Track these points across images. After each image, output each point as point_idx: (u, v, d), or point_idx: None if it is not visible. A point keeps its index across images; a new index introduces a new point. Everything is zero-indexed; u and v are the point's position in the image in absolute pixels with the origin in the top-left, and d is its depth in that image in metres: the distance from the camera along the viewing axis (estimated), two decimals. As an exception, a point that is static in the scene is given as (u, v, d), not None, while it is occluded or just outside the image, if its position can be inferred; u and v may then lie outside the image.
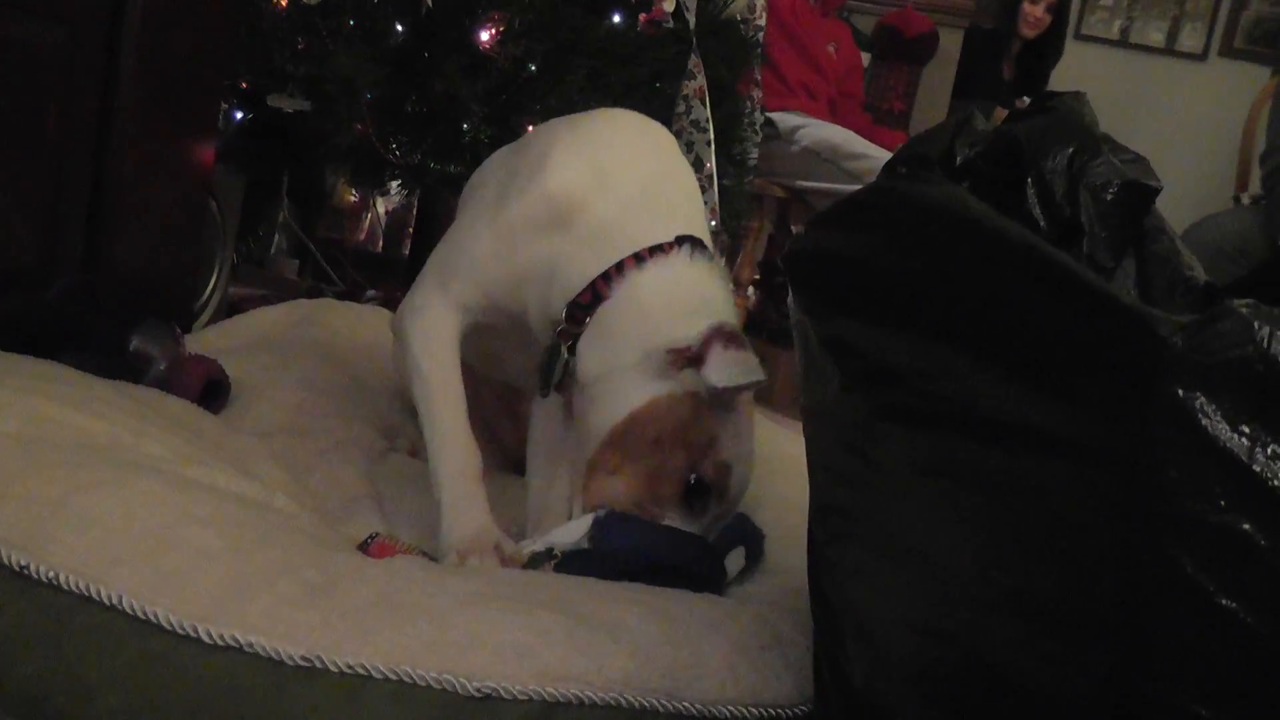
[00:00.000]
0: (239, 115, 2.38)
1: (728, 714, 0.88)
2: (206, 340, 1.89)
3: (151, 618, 0.83)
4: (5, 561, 0.86)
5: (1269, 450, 0.53)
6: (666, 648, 0.89)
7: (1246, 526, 0.54)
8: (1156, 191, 0.87)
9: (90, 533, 0.89)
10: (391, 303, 3.31)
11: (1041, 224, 0.88)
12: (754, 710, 0.90)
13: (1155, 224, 0.95)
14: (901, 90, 5.19)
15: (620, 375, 1.18)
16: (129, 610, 0.83)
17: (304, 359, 1.72)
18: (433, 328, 1.27)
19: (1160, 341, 0.58)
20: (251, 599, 0.85)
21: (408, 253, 3.73)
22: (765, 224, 3.70)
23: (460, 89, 2.22)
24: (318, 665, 0.80)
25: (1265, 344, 0.55)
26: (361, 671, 0.80)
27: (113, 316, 1.69)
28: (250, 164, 2.51)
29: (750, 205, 3.27)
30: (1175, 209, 1.25)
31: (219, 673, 0.80)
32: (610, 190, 1.23)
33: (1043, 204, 0.88)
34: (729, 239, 2.85)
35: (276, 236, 3.50)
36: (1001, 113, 4.36)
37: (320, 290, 3.49)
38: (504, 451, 1.57)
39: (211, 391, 1.63)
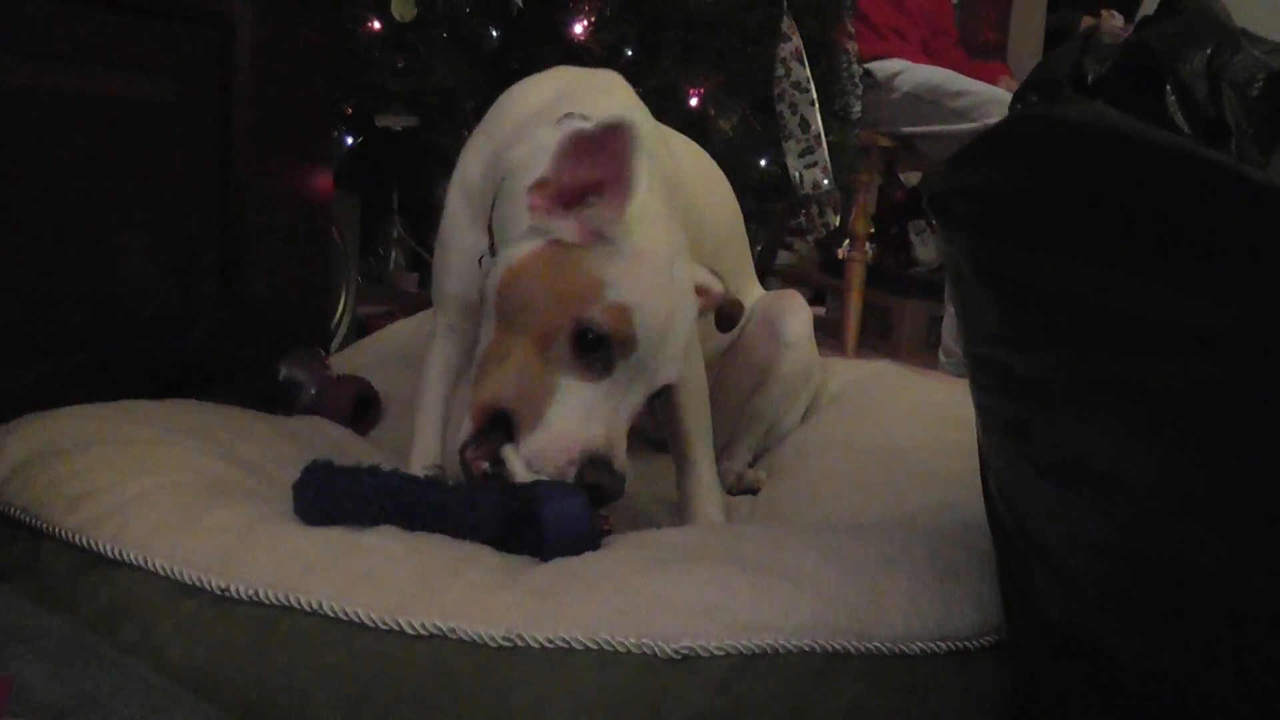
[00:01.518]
0: (349, 139, 2.44)
1: (917, 650, 0.89)
2: (345, 361, 1.95)
3: (354, 617, 0.87)
4: (206, 587, 0.91)
5: None
6: (848, 588, 0.91)
7: None
8: None
9: (279, 551, 0.94)
10: None
11: (1186, 129, 0.86)
12: (942, 644, 0.90)
13: None
14: (995, 19, 5.08)
15: (501, 257, 1.12)
16: (330, 613, 0.87)
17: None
18: (431, 356, 1.39)
19: None
20: (444, 589, 0.89)
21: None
22: (874, 175, 3.66)
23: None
24: (519, 643, 0.83)
25: None
26: (562, 644, 0.83)
27: (259, 348, 1.76)
28: (364, 185, 2.58)
29: (858, 158, 3.24)
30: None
31: (425, 660, 0.84)
32: None
33: (1185, 109, 0.85)
34: (841, 194, 2.82)
35: (393, 252, 3.58)
36: (1089, 20, 4.23)
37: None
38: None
39: (362, 409, 1.69)
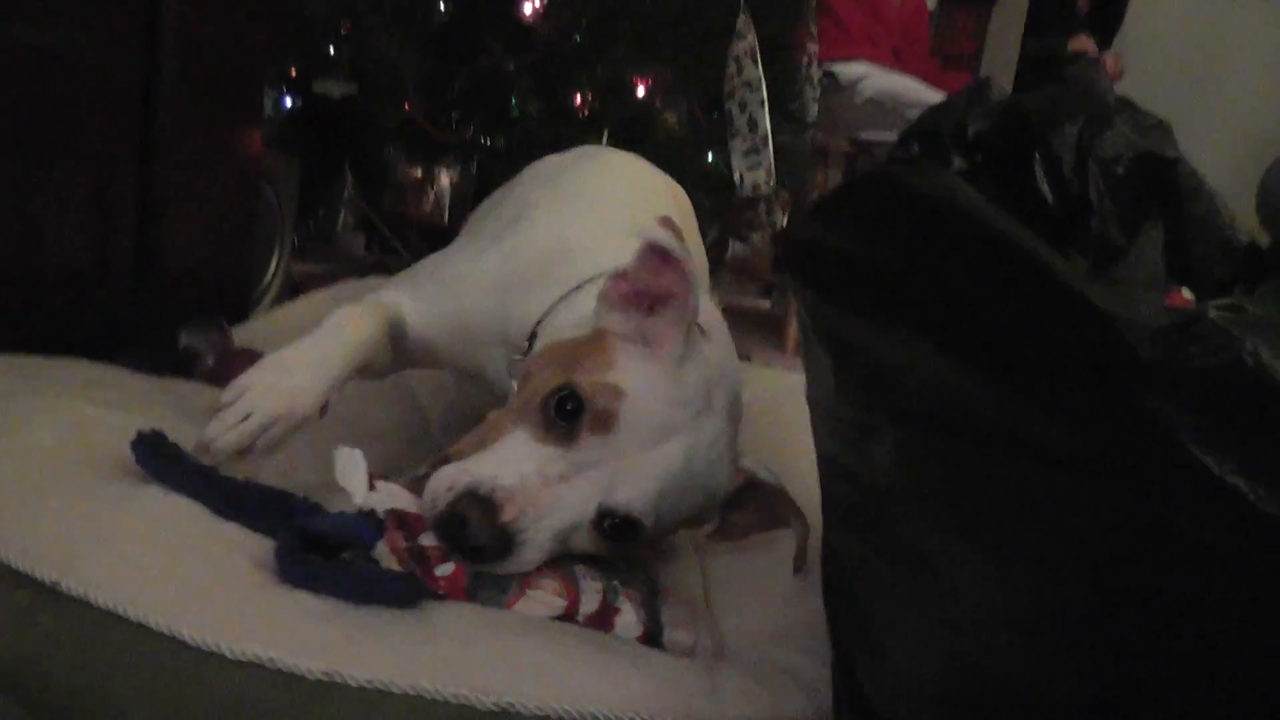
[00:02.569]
0: (288, 102, 2.39)
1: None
2: (260, 326, 1.92)
3: (177, 635, 0.84)
4: (36, 577, 0.88)
5: (1244, 465, 0.50)
6: (687, 677, 0.90)
7: (1219, 541, 0.52)
8: (1173, 161, 0.83)
9: (119, 547, 0.91)
10: None
11: (1050, 199, 0.85)
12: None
13: (1193, 184, 0.91)
14: (972, 28, 5.06)
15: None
16: (155, 628, 0.85)
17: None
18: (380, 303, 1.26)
19: (1130, 349, 0.55)
20: (274, 612, 0.86)
21: (471, 224, 3.82)
22: (828, 179, 3.64)
23: (506, 64, 2.22)
24: (337, 680, 0.81)
25: (1240, 353, 0.51)
26: (380, 687, 0.81)
27: (161, 315, 1.74)
28: (305, 148, 2.53)
29: (811, 160, 3.22)
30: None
31: (241, 689, 0.82)
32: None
33: (1050, 180, 0.84)
34: (789, 195, 2.81)
35: (342, 213, 3.55)
36: (1078, 42, 4.22)
37: (385, 265, 3.54)
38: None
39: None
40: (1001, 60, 4.75)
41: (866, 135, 3.53)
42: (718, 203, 2.67)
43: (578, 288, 1.15)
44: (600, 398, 0.95)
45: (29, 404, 1.13)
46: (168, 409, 1.30)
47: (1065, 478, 0.61)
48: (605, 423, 0.95)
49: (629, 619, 0.99)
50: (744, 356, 2.99)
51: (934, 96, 3.43)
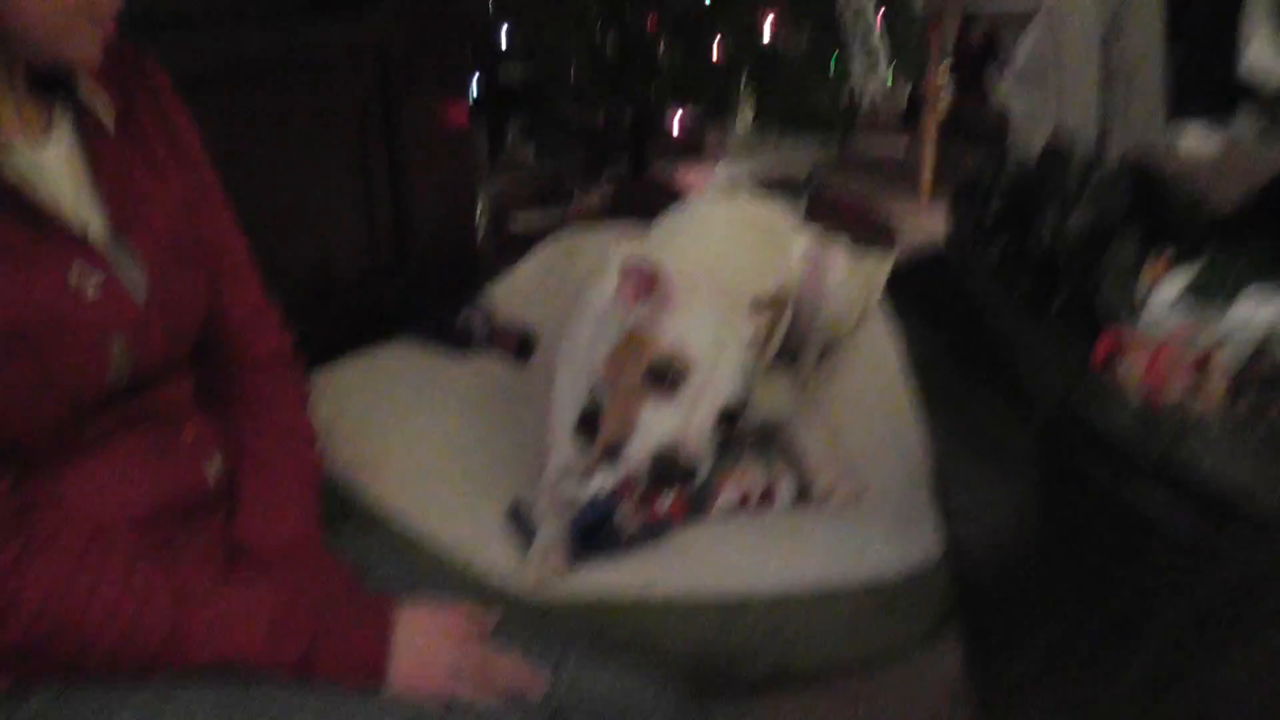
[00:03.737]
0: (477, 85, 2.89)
1: (890, 576, 1.48)
2: (504, 291, 2.45)
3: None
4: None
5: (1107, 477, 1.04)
6: (846, 541, 1.51)
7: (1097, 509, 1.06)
8: (1120, 226, 1.33)
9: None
10: (625, 184, 3.82)
11: (1035, 254, 1.37)
12: (906, 569, 1.49)
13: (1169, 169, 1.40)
14: None
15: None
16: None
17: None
18: None
19: (1040, 399, 1.08)
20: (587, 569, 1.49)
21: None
22: (948, 22, 3.94)
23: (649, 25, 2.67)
24: (642, 603, 1.43)
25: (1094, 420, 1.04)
26: (668, 600, 1.43)
27: (439, 294, 2.31)
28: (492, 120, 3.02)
29: (924, 48, 3.57)
30: None
31: (587, 611, 1.44)
32: None
33: (1035, 243, 1.37)
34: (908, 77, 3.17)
35: (509, 129, 4.03)
36: None
37: (560, 173, 4.01)
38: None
39: (523, 347, 2.26)
40: None
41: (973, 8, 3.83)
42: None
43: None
44: (670, 354, 1.41)
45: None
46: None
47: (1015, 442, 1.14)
48: (684, 368, 1.41)
49: (785, 491, 1.61)
50: (885, 228, 3.43)
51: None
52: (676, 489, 1.51)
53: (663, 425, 1.40)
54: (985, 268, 1.26)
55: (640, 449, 1.40)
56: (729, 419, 1.52)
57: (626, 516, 1.50)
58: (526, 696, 1.08)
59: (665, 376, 1.42)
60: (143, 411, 1.08)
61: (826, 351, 2.18)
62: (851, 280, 2.17)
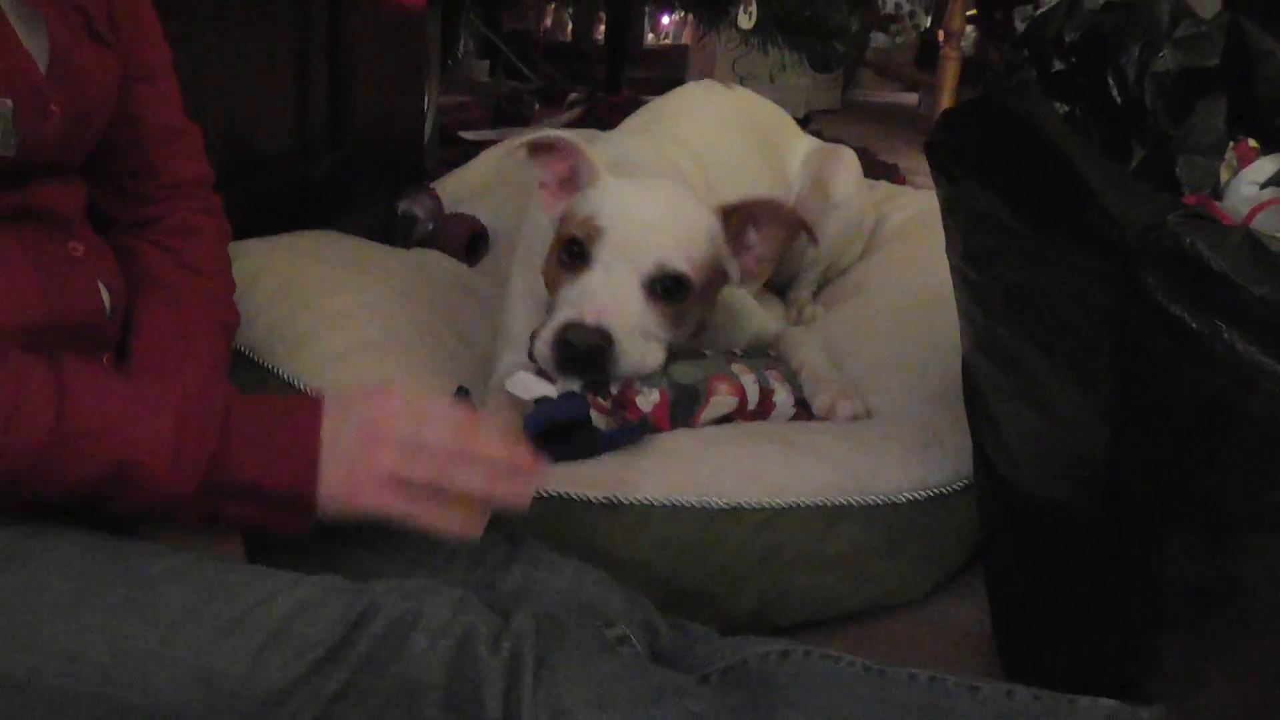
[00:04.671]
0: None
1: (904, 499, 1.23)
2: (451, 186, 2.21)
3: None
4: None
5: (1204, 321, 0.80)
6: (854, 458, 1.24)
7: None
8: (1212, 69, 1.10)
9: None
10: (595, 106, 3.50)
11: (1118, 99, 1.13)
12: (923, 493, 1.24)
13: (1264, 48, 1.17)
14: None
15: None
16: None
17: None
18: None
19: (1124, 237, 0.84)
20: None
21: (602, 39, 3.81)
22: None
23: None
24: (617, 502, 1.18)
25: (1193, 247, 0.80)
26: (644, 503, 1.17)
27: (378, 184, 2.03)
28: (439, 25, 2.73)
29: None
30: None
31: (550, 512, 1.18)
32: None
33: (1119, 87, 1.12)
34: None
35: (462, 37, 3.69)
36: None
37: (518, 92, 3.72)
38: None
39: (473, 244, 1.99)
40: None
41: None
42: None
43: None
44: (580, 227, 1.26)
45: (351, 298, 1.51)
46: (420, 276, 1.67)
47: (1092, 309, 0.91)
48: (594, 234, 1.24)
49: (783, 399, 1.34)
50: (890, 165, 3.18)
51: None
52: (616, 380, 1.25)
53: (568, 302, 1.24)
54: (1054, 115, 1.01)
55: (548, 334, 1.22)
56: (665, 291, 1.25)
57: (600, 417, 1.25)
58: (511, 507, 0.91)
59: (574, 252, 1.27)
60: (25, 209, 0.95)
61: (827, 279, 1.96)
62: (860, 196, 1.95)
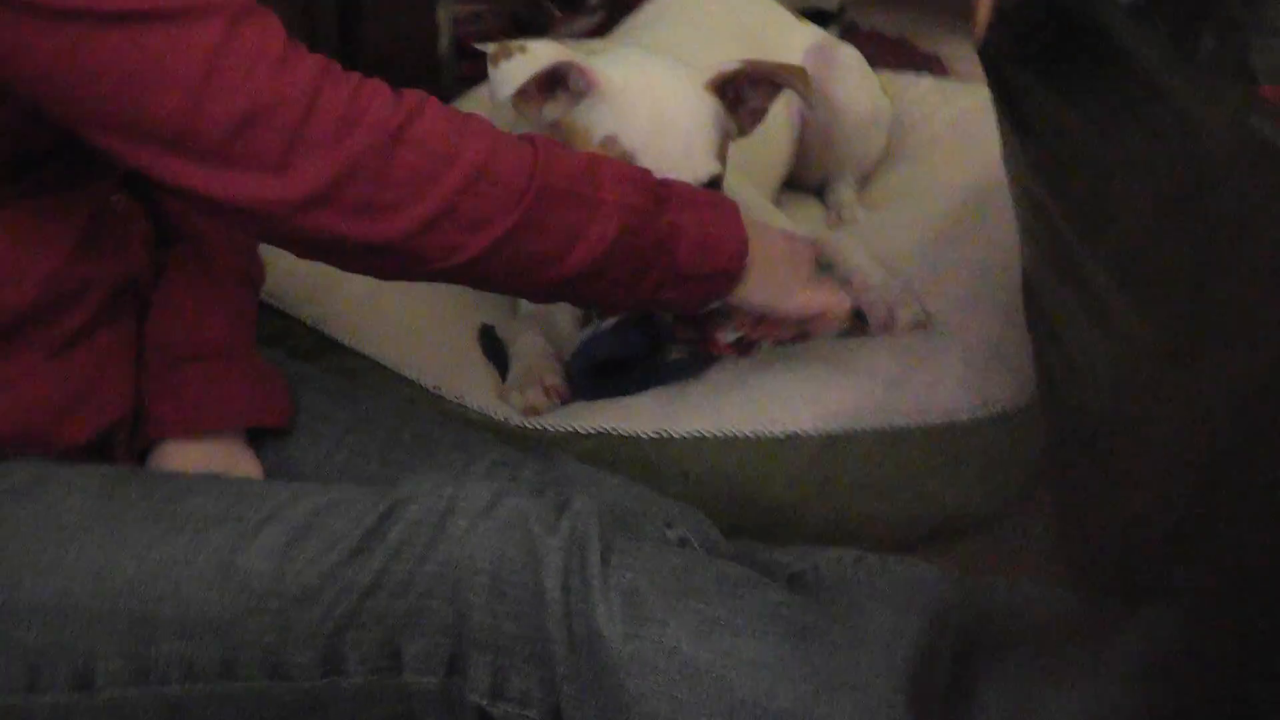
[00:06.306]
0: None
1: (965, 418, 1.18)
2: (467, 108, 2.11)
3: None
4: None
5: None
6: (912, 376, 1.19)
7: None
8: None
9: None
10: (619, 11, 3.36)
11: None
12: (984, 411, 1.19)
13: None
14: None
15: None
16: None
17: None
18: None
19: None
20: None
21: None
22: None
23: None
24: (665, 436, 1.14)
25: None
26: (698, 435, 1.13)
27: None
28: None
29: None
30: None
31: (593, 450, 1.15)
32: None
33: None
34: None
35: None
36: None
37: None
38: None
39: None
40: None
41: None
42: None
43: None
44: (602, 148, 1.14)
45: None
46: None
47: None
48: (629, 160, 1.13)
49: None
50: (932, 56, 3.02)
51: None
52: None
53: None
54: (1114, 5, 0.93)
55: None
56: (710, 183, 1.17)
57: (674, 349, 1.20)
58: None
59: None
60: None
61: (864, 181, 1.88)
62: (870, 89, 1.86)
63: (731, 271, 0.96)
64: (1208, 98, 0.78)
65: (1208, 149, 0.76)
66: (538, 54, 1.16)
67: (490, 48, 1.19)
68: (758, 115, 1.30)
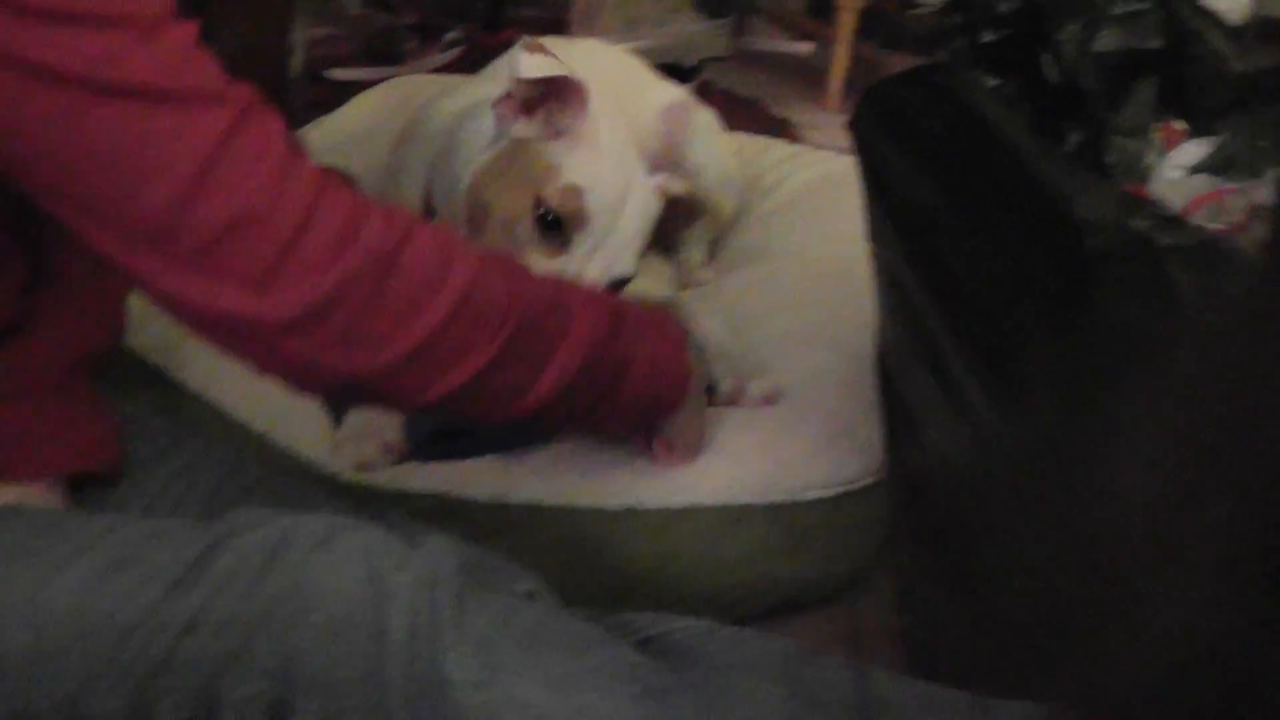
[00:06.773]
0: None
1: (811, 497, 1.14)
2: (314, 137, 2.02)
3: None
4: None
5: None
6: (757, 454, 1.15)
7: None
8: (1153, 52, 1.03)
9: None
10: (475, 46, 3.32)
11: (1055, 80, 1.05)
12: (830, 490, 1.15)
13: (1195, 28, 1.11)
14: None
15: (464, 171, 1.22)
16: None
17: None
18: None
19: (1077, 229, 0.76)
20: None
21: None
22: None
23: None
24: (501, 501, 1.07)
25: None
26: (534, 503, 1.07)
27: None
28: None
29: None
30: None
31: (426, 511, 1.07)
32: None
33: (1055, 63, 1.05)
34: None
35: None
36: None
37: (393, 28, 3.51)
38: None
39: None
40: None
41: None
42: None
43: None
44: (569, 202, 1.13)
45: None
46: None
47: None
48: (581, 221, 1.14)
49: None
50: (783, 120, 3.04)
51: None
52: None
53: None
54: (987, 91, 0.92)
55: None
56: (617, 283, 1.19)
57: None
58: None
59: (557, 227, 1.14)
60: None
61: (717, 240, 1.85)
62: (724, 151, 1.84)
63: (673, 402, 1.00)
64: (1087, 192, 0.76)
65: (1090, 245, 0.74)
66: (567, 64, 1.14)
67: (525, 39, 1.14)
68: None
